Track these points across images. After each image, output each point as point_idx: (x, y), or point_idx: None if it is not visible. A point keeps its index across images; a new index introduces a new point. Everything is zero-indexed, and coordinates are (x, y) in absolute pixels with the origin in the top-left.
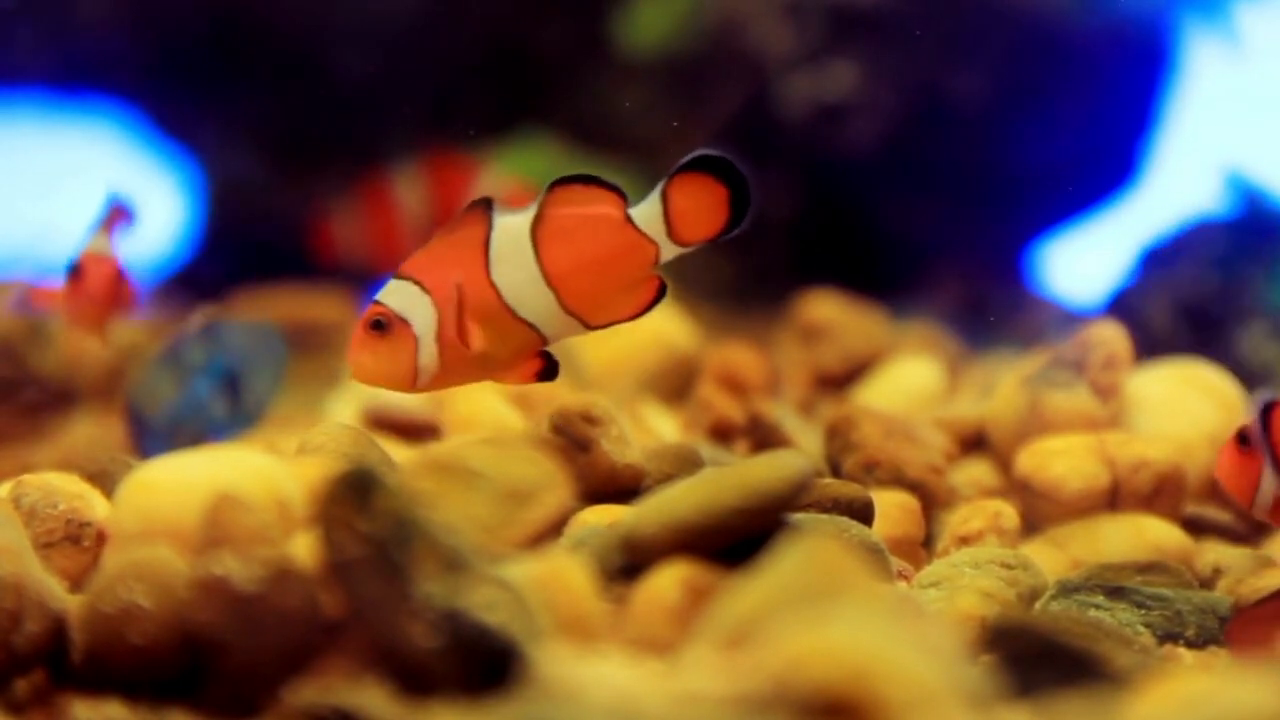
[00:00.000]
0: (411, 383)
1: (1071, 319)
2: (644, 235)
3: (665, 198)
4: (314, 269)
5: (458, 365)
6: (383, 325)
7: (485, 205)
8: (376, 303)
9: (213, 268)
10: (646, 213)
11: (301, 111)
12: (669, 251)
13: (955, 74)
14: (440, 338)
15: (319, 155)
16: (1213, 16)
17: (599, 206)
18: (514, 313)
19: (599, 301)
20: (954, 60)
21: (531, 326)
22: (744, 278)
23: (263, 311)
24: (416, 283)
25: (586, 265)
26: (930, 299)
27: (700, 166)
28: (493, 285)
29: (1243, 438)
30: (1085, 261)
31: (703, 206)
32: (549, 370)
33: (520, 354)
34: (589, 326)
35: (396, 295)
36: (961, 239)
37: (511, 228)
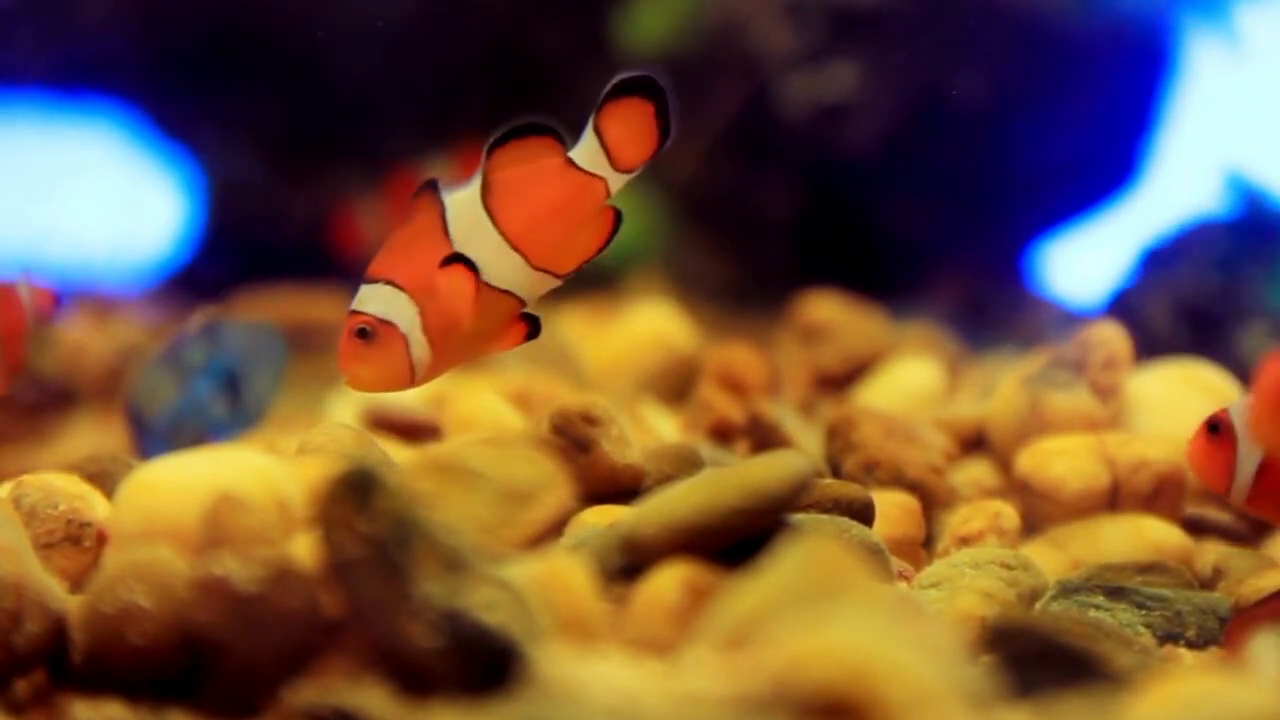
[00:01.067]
0: (410, 379)
1: (1071, 319)
2: (589, 173)
3: (598, 131)
4: (338, 262)
5: (451, 349)
6: (368, 333)
7: (432, 188)
8: (356, 312)
9: (213, 268)
10: (586, 151)
11: (301, 112)
12: (617, 181)
13: (955, 74)
14: (427, 329)
15: (319, 155)
16: (1213, 16)
17: (540, 158)
18: (489, 284)
19: (563, 249)
20: (954, 61)
21: (508, 293)
22: (744, 278)
23: (263, 311)
24: (389, 282)
25: (543, 218)
26: (930, 299)
27: (622, 91)
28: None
29: (1213, 425)
30: (1085, 261)
31: (635, 128)
32: (534, 330)
33: (504, 322)
34: (560, 276)
35: (373, 300)
36: (961, 239)
37: (464, 202)
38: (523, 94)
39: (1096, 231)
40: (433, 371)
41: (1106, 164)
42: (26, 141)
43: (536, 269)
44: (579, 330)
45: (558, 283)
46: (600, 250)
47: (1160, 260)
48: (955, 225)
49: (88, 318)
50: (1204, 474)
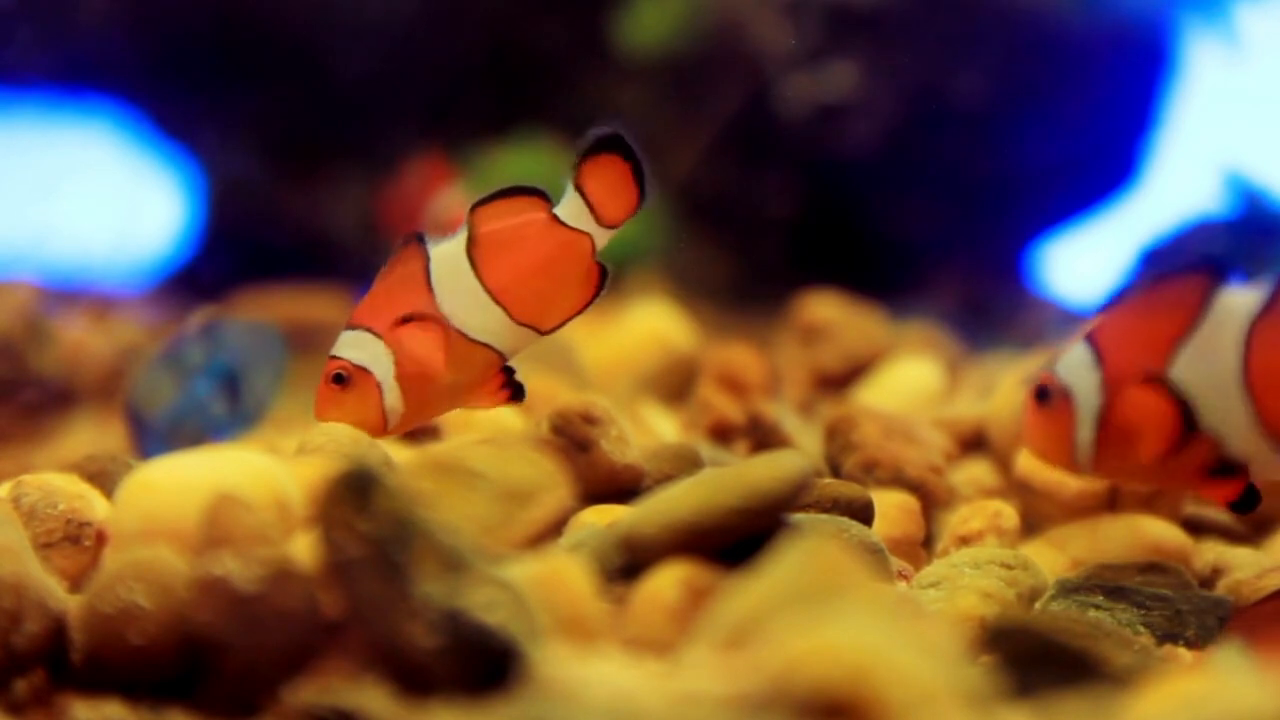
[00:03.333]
0: (382, 428)
1: (1071, 319)
2: (575, 229)
3: (580, 189)
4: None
5: (426, 400)
6: (343, 378)
7: (417, 239)
8: (334, 357)
9: (212, 268)
10: (570, 207)
11: (301, 112)
12: (602, 237)
13: (955, 74)
14: (401, 378)
15: (319, 155)
16: (1213, 16)
17: (526, 214)
18: (467, 337)
19: (547, 304)
20: (954, 61)
21: (487, 346)
22: (744, 278)
23: (263, 311)
24: (367, 329)
25: (527, 273)
26: (930, 299)
27: (597, 149)
28: (441, 315)
29: (1041, 392)
30: (1085, 261)
31: (614, 184)
32: (516, 394)
33: (483, 376)
34: (542, 332)
35: (352, 346)
36: (961, 239)
37: (448, 255)
38: (523, 94)
39: (1096, 231)
40: (407, 421)
41: (1106, 164)
42: (26, 141)
43: (519, 323)
44: (579, 330)
45: (539, 339)
46: (583, 310)
47: (1160, 260)
48: (955, 225)
49: (88, 317)
50: (1043, 450)
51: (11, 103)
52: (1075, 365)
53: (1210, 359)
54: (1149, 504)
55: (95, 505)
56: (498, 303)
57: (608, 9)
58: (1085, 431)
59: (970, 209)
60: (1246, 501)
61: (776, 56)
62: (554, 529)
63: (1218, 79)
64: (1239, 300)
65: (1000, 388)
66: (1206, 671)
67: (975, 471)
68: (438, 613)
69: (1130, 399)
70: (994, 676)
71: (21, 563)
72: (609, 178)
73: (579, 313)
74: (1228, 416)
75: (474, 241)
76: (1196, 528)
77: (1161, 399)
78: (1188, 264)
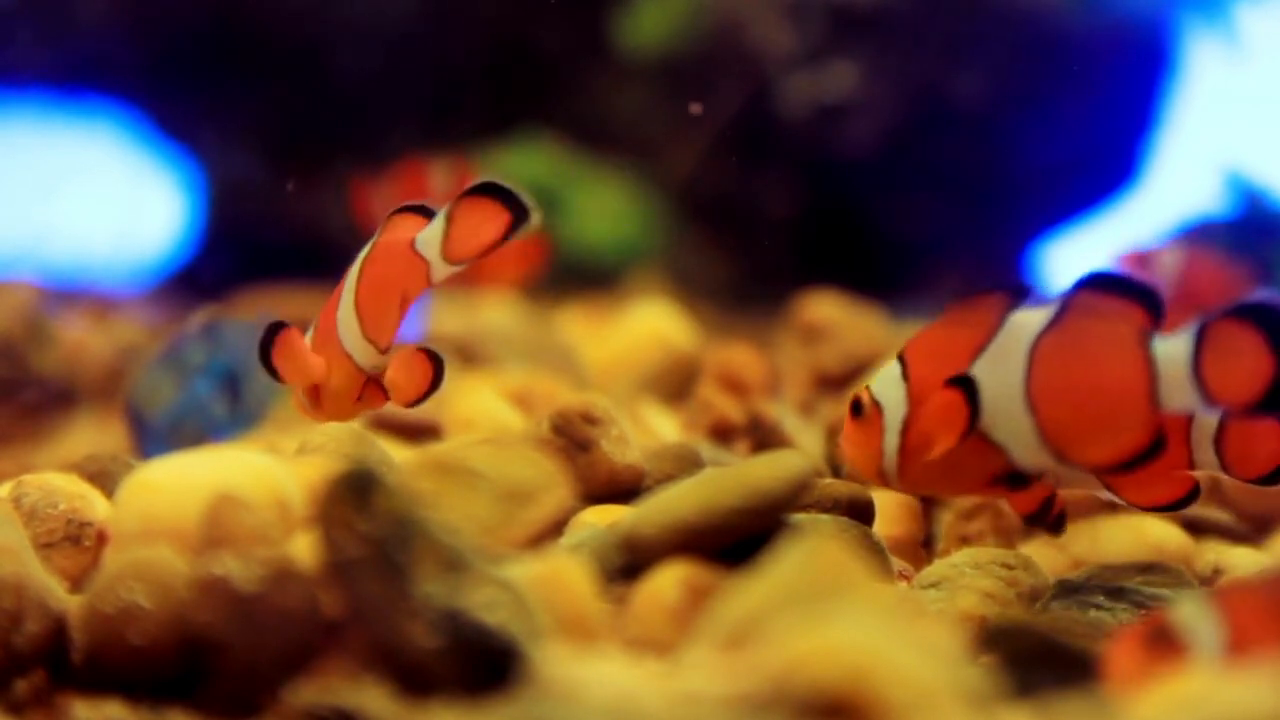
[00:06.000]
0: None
1: None
2: (419, 255)
3: (449, 218)
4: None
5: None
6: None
7: (414, 210)
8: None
9: (213, 268)
10: (429, 233)
11: (301, 112)
12: (441, 271)
13: (955, 74)
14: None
15: (319, 155)
16: (1213, 16)
17: (401, 231)
18: (342, 347)
19: (382, 322)
20: (954, 61)
21: (350, 358)
22: (744, 278)
23: (263, 311)
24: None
25: (372, 290)
26: (930, 299)
27: (483, 191)
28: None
29: (855, 406)
30: (1085, 261)
31: (481, 228)
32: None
33: (352, 384)
34: (380, 349)
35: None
36: (961, 239)
37: (356, 261)
38: (523, 94)
39: (1097, 231)
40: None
41: (1106, 164)
42: (26, 141)
43: (366, 339)
44: (579, 330)
45: (381, 357)
46: (395, 331)
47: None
48: (955, 225)
49: (88, 318)
50: (855, 460)
51: (11, 103)
52: (886, 380)
53: (999, 372)
54: None
55: (95, 505)
56: (356, 316)
57: (608, 9)
58: (891, 440)
59: (970, 209)
60: (1055, 521)
61: (777, 56)
62: (554, 529)
63: (1218, 79)
64: (1029, 318)
65: None
66: (1201, 669)
67: None
68: (438, 613)
69: (929, 403)
70: (994, 676)
71: (22, 563)
72: (480, 220)
73: (395, 341)
74: (1014, 428)
75: (369, 251)
76: (1197, 528)
77: (953, 393)
78: (994, 285)
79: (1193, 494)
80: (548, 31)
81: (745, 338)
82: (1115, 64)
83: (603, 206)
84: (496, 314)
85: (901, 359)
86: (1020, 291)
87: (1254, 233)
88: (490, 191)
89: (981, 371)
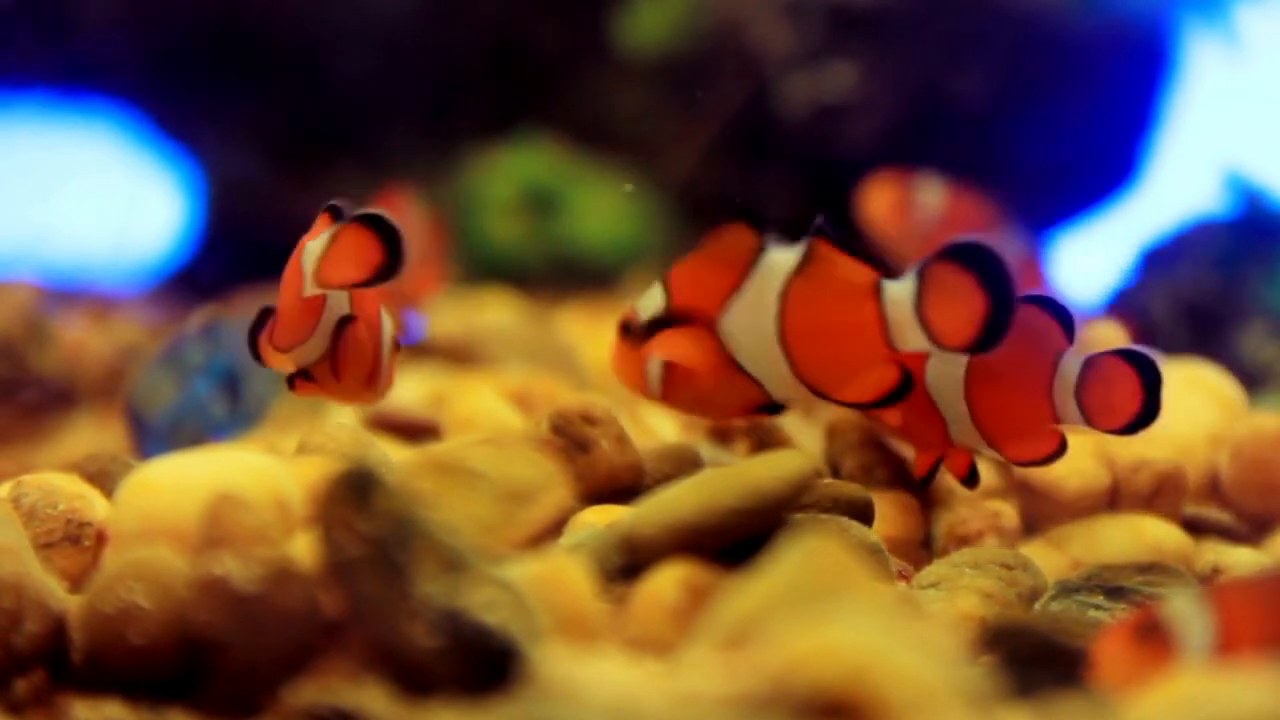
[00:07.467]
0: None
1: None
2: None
3: (335, 237)
4: None
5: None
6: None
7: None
8: None
9: (213, 268)
10: (316, 245)
11: (301, 112)
12: (311, 287)
13: (955, 74)
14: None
15: (319, 155)
16: (1213, 16)
17: (316, 232)
18: None
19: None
20: (954, 60)
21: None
22: None
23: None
24: None
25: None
26: None
27: (369, 221)
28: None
29: (624, 327)
30: (1085, 261)
31: (351, 254)
32: None
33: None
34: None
35: None
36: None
37: None
38: (523, 94)
39: (1097, 231)
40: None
41: (1106, 164)
42: (26, 141)
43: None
44: (579, 330)
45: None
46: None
47: (1160, 260)
48: None
49: (88, 317)
50: (623, 377)
51: (12, 103)
52: (651, 303)
53: (753, 312)
54: (1149, 504)
55: (95, 505)
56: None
57: (608, 9)
58: (655, 362)
59: None
60: (924, 479)
61: (776, 56)
62: (554, 529)
63: (1218, 79)
64: (779, 262)
65: None
66: (1204, 670)
67: None
68: (438, 613)
69: (666, 338)
70: (994, 676)
71: (22, 563)
72: (353, 246)
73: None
74: (770, 365)
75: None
76: (1197, 528)
77: (693, 338)
78: (740, 215)
79: (1061, 448)
80: (547, 31)
81: None
82: (1115, 64)
83: (602, 206)
84: (496, 314)
85: (665, 284)
86: (762, 223)
87: (1254, 233)
88: (375, 225)
89: (738, 312)
